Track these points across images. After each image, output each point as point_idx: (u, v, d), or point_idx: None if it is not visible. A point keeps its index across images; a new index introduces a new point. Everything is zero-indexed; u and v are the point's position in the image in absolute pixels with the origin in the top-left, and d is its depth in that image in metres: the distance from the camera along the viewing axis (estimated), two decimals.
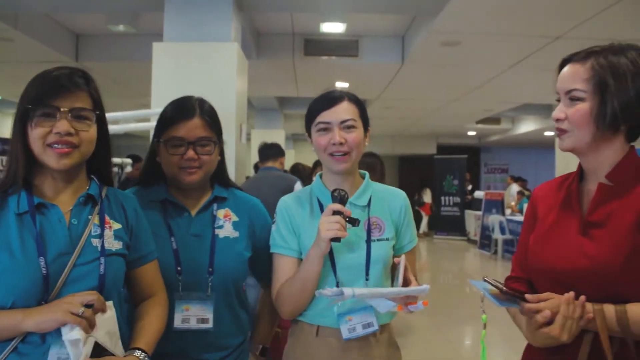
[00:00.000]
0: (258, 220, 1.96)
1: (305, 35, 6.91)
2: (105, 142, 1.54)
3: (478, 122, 13.82)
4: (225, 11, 4.59)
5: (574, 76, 1.44)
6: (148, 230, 1.65)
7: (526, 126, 13.75)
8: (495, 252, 11.57)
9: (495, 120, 13.87)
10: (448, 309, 6.73)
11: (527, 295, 1.39)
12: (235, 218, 1.90)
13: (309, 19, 6.27)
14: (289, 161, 13.63)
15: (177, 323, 1.74)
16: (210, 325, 1.76)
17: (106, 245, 1.48)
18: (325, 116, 1.78)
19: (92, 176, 1.56)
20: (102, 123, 1.52)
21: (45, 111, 1.41)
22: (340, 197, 1.70)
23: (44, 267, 1.36)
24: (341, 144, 1.75)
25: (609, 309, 1.35)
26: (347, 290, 1.51)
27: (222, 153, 1.92)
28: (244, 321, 1.93)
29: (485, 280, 1.45)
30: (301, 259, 1.79)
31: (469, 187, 16.49)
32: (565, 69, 1.48)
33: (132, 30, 6.03)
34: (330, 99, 1.79)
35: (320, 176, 1.91)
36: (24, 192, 1.43)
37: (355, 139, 1.77)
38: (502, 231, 11.50)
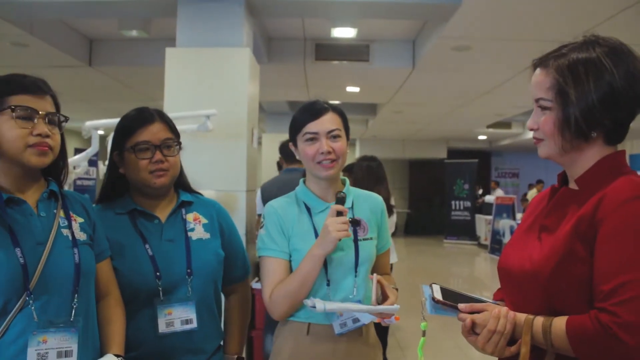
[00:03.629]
0: (225, 222, 2.04)
1: (316, 40, 6.93)
2: (63, 147, 1.63)
3: (489, 127, 13.77)
4: (237, 17, 4.63)
5: (539, 84, 1.39)
6: (103, 230, 1.73)
7: None
8: None
9: (506, 124, 13.82)
10: None
11: (459, 305, 1.40)
12: (204, 220, 1.96)
13: (319, 24, 6.29)
14: None
15: (162, 328, 1.78)
16: (194, 325, 1.82)
17: (75, 236, 1.57)
18: (312, 127, 1.88)
19: (49, 178, 1.63)
20: (61, 129, 1.61)
21: (23, 113, 1.48)
22: (342, 199, 1.82)
23: (20, 257, 1.42)
24: (329, 152, 1.86)
25: (538, 321, 1.31)
26: (319, 305, 1.65)
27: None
28: (219, 326, 2.00)
29: (431, 286, 1.48)
30: (290, 261, 1.88)
31: (480, 191, 16.45)
32: (534, 75, 1.42)
33: (145, 36, 6.07)
34: (316, 111, 1.90)
35: (304, 181, 2.00)
36: None
37: (341, 147, 1.89)
38: None
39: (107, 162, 4.03)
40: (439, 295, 1.43)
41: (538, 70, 1.42)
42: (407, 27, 6.45)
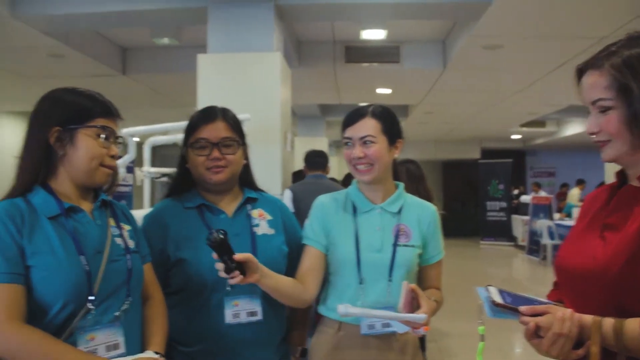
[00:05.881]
0: (288, 219, 2.10)
1: (346, 43, 6.94)
2: None
3: (522, 126, 13.58)
4: (267, 22, 4.66)
5: (594, 85, 1.36)
6: (143, 234, 1.79)
7: (572, 128, 13.45)
8: (545, 258, 11.32)
9: (540, 123, 13.61)
10: None
11: (520, 308, 1.36)
12: (269, 217, 2.02)
13: (349, 27, 6.30)
14: (331, 168, 13.64)
15: (229, 319, 1.84)
16: (260, 317, 1.87)
17: (127, 244, 1.63)
18: (348, 132, 1.96)
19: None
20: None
21: (106, 133, 1.57)
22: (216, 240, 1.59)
23: (85, 265, 1.47)
24: (360, 158, 1.92)
25: (608, 322, 1.27)
26: (342, 309, 1.63)
27: (247, 157, 2.04)
28: (284, 317, 2.04)
29: (487, 288, 1.43)
30: (326, 253, 1.96)
31: (515, 192, 16.22)
32: (584, 79, 1.40)
33: (176, 43, 6.18)
34: (353, 116, 1.98)
35: (357, 181, 2.05)
36: (50, 196, 1.53)
37: (374, 152, 1.92)
38: (551, 236, 11.27)
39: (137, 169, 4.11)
40: (498, 298, 1.39)
41: (589, 72, 1.39)
42: (437, 27, 6.41)
